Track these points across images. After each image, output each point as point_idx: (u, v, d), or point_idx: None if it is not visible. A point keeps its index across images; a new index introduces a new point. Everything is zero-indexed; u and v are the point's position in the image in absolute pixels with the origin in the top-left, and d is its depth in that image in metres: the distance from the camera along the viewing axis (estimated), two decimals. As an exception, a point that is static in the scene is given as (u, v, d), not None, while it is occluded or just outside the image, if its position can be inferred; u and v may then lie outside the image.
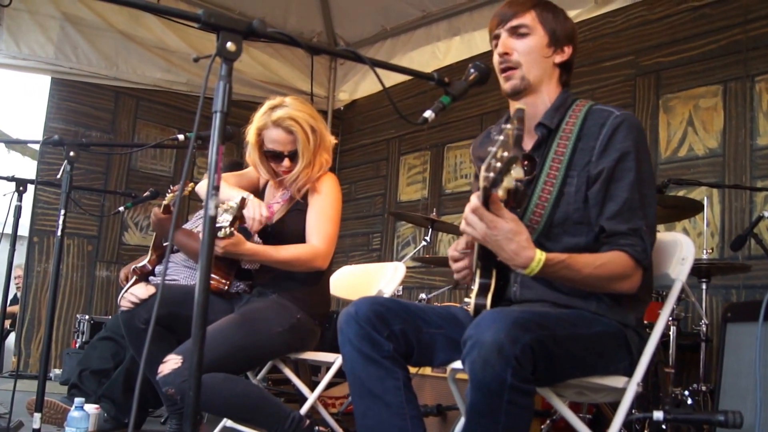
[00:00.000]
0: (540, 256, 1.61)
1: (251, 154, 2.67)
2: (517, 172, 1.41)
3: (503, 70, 1.91)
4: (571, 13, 4.71)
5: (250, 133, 2.63)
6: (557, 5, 1.97)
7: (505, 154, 1.39)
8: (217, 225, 2.23)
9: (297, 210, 2.64)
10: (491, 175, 1.44)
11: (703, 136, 4.12)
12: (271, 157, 2.63)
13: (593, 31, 4.77)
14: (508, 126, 1.41)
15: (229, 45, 1.33)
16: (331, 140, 2.74)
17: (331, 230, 2.59)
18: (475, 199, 1.59)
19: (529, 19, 1.90)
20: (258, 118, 2.61)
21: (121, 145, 5.52)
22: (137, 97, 5.66)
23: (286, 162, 2.60)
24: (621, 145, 1.77)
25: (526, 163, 1.61)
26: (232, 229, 2.27)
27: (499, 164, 1.41)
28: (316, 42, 6.32)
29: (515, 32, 1.91)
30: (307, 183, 2.63)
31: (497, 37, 1.95)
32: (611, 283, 1.74)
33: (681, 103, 4.25)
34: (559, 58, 1.92)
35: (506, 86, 1.91)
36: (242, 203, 2.30)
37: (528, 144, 1.93)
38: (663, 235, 2.00)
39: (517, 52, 1.89)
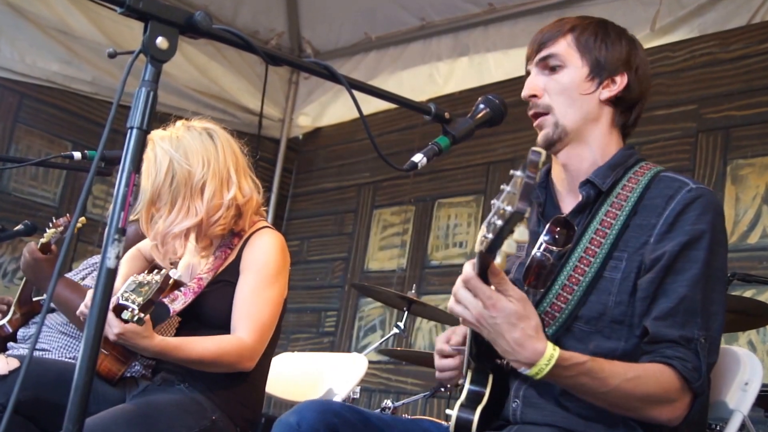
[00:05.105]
0: (552, 351, 1.62)
1: None
2: (520, 233, 1.43)
3: (533, 117, 1.98)
4: (619, 41, 4.87)
5: None
6: (609, 23, 2.03)
7: (509, 208, 1.42)
8: (122, 302, 2.20)
9: (223, 282, 2.64)
10: (489, 236, 1.46)
11: (782, 219, 4.21)
12: None
13: (646, 67, 4.88)
14: (518, 173, 1.44)
15: (160, 41, 1.35)
16: (243, 191, 2.71)
17: (267, 317, 2.59)
18: (468, 268, 1.60)
19: (562, 47, 1.97)
20: None
21: (-10, 158, 5.47)
22: (21, 93, 5.64)
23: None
24: (692, 228, 1.79)
25: (558, 229, 1.63)
26: (142, 315, 2.24)
27: (500, 222, 1.44)
28: (275, 46, 6.40)
29: (546, 66, 1.98)
30: (179, 239, 2.64)
31: (530, 73, 2.01)
32: (645, 406, 1.73)
33: (755, 172, 4.34)
34: (607, 93, 1.97)
35: (539, 138, 1.96)
36: (165, 282, 2.28)
37: (568, 205, 1.97)
38: (721, 349, 2.02)
39: (548, 92, 1.95)
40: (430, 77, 5.91)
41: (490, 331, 1.63)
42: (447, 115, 1.76)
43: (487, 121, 1.84)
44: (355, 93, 1.67)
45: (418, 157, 1.70)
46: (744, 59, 4.53)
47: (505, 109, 1.87)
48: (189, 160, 2.63)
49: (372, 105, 4.64)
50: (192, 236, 2.67)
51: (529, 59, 2.02)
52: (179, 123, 2.74)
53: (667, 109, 4.75)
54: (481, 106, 1.85)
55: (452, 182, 5.69)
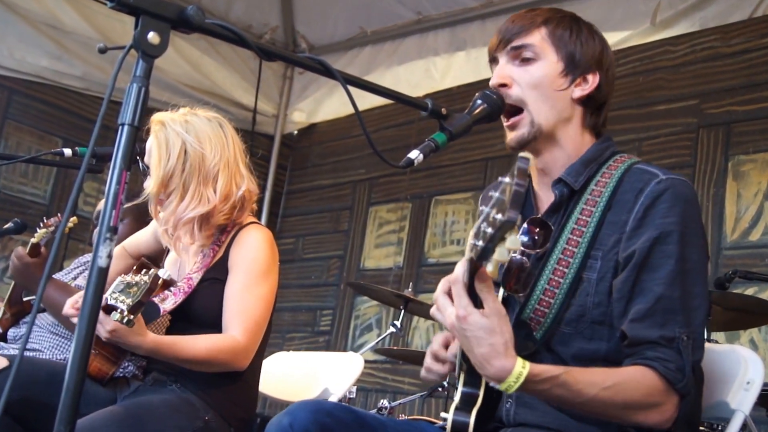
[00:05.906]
0: (521, 368, 1.60)
1: None
2: (512, 242, 1.43)
3: (505, 116, 1.92)
4: (619, 36, 4.87)
5: None
6: (581, 19, 2.00)
7: (499, 216, 1.42)
8: (111, 302, 2.20)
9: (211, 280, 2.64)
10: (480, 243, 1.46)
11: (784, 215, 4.22)
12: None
13: (646, 62, 4.89)
14: (506, 180, 1.43)
15: (152, 36, 1.34)
16: (250, 188, 2.72)
17: (260, 315, 2.59)
18: (459, 270, 1.59)
19: (537, 38, 1.93)
20: None
21: (-21, 155, 5.46)
22: (10, 88, 5.63)
23: (148, 180, 2.64)
24: (661, 222, 1.77)
25: (537, 230, 1.63)
26: (132, 317, 2.23)
27: (490, 230, 1.44)
28: (269, 41, 6.39)
29: (517, 56, 1.93)
30: (188, 225, 2.63)
31: (495, 60, 1.98)
32: (629, 413, 1.72)
33: (757, 168, 4.34)
34: (579, 92, 1.94)
35: (510, 138, 1.93)
36: (154, 282, 2.28)
37: (544, 205, 1.96)
38: (721, 347, 2.03)
39: (519, 83, 1.91)
40: (426, 72, 5.90)
41: (462, 343, 1.63)
42: (444, 110, 1.76)
43: (484, 117, 1.83)
44: (351, 88, 1.67)
45: (415, 154, 1.70)
46: (745, 53, 4.54)
47: (503, 104, 1.86)
48: (201, 143, 2.63)
49: (367, 101, 4.64)
50: (196, 226, 2.66)
51: (495, 49, 1.98)
52: (183, 109, 2.72)
53: (667, 104, 4.76)
54: (479, 101, 1.84)
55: (449, 179, 5.69)
